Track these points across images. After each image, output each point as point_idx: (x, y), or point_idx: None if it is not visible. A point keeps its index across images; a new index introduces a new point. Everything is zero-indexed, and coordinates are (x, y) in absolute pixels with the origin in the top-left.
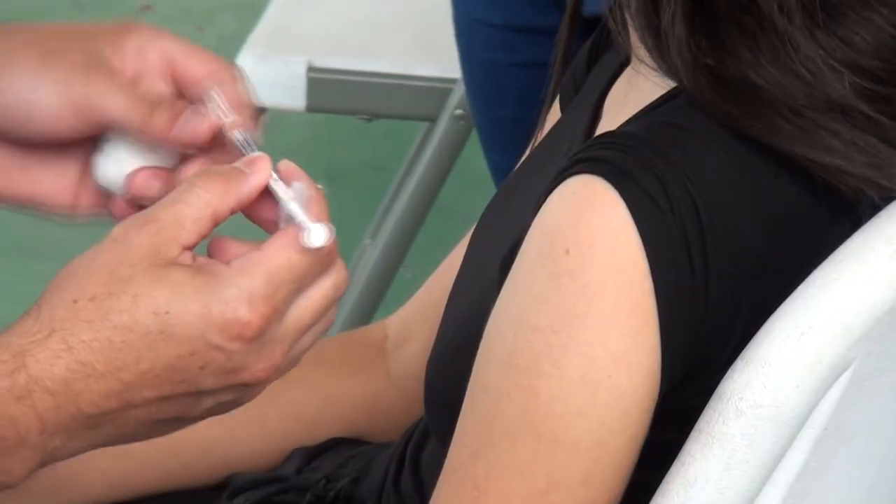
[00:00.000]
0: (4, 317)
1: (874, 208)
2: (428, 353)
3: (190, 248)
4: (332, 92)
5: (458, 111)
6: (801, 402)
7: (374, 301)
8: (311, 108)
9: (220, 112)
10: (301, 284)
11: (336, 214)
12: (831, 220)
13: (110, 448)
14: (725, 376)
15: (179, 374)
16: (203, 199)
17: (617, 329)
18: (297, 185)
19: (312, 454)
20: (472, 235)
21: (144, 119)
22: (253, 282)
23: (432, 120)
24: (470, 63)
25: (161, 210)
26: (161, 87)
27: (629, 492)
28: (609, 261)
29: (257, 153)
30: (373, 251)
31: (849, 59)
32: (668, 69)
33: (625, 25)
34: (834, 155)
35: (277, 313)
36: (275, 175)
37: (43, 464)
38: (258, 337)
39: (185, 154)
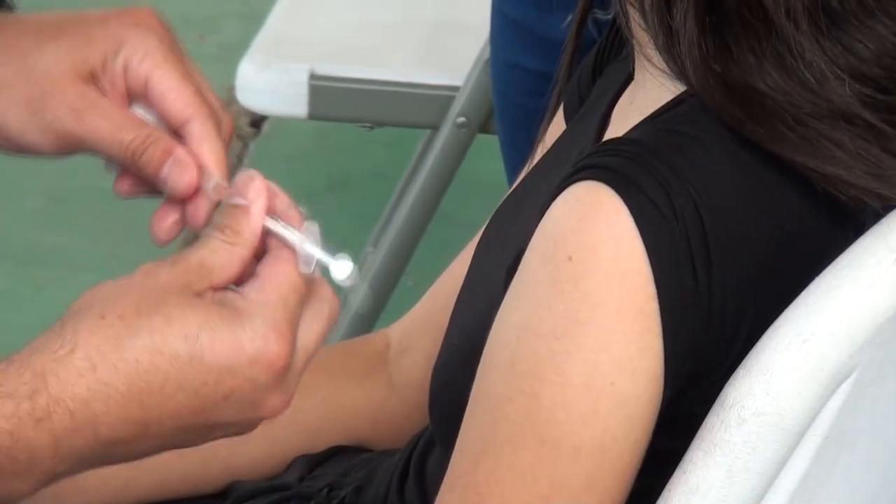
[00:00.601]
0: (5, 323)
1: (876, 216)
2: (430, 362)
3: (218, 289)
4: (334, 100)
5: (461, 119)
6: (803, 410)
7: (376, 307)
8: (312, 116)
9: (214, 192)
10: (305, 305)
11: (338, 222)
12: (834, 226)
13: None
14: (728, 383)
15: (201, 402)
16: (225, 248)
17: (620, 335)
18: (308, 225)
19: (315, 462)
20: (478, 244)
21: (134, 159)
22: (272, 311)
23: (434, 128)
24: (504, 106)
25: (189, 255)
26: (146, 114)
27: (631, 499)
28: (612, 267)
29: (249, 183)
30: (375, 259)
31: (851, 67)
32: (678, 70)
33: (629, 27)
34: (835, 165)
35: (295, 339)
36: (272, 219)
37: (48, 484)
38: (285, 366)
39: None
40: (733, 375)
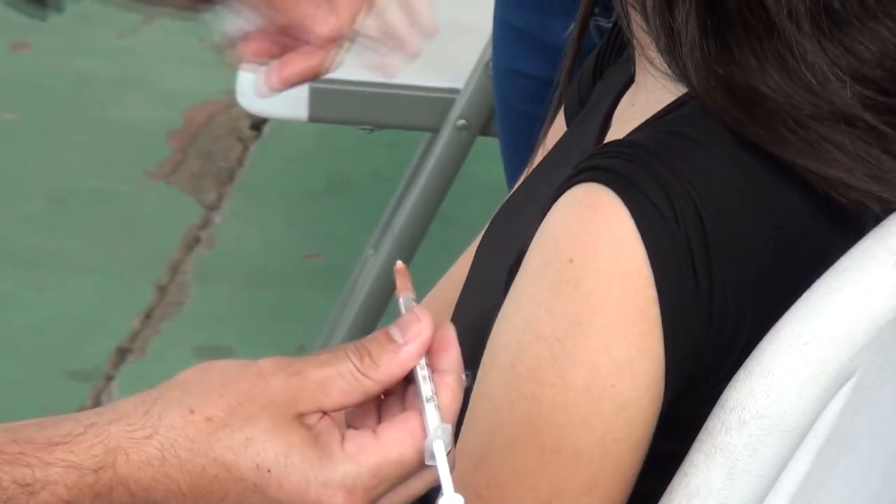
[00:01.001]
0: (5, 325)
1: (877, 219)
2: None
3: (327, 413)
4: (334, 102)
5: (461, 122)
6: (803, 412)
7: (376, 311)
8: (313, 119)
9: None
10: (406, 479)
11: (338, 225)
12: (835, 229)
13: None
14: (728, 386)
15: None
16: (354, 377)
17: (621, 338)
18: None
19: None
20: (479, 246)
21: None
22: (360, 472)
23: (435, 130)
24: (506, 112)
25: (312, 368)
26: None
27: (632, 501)
28: (613, 269)
29: (417, 320)
30: (375, 261)
31: (853, 69)
32: (679, 72)
33: (630, 28)
34: (836, 167)
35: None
36: (423, 362)
37: None
38: None
39: None
40: (734, 378)
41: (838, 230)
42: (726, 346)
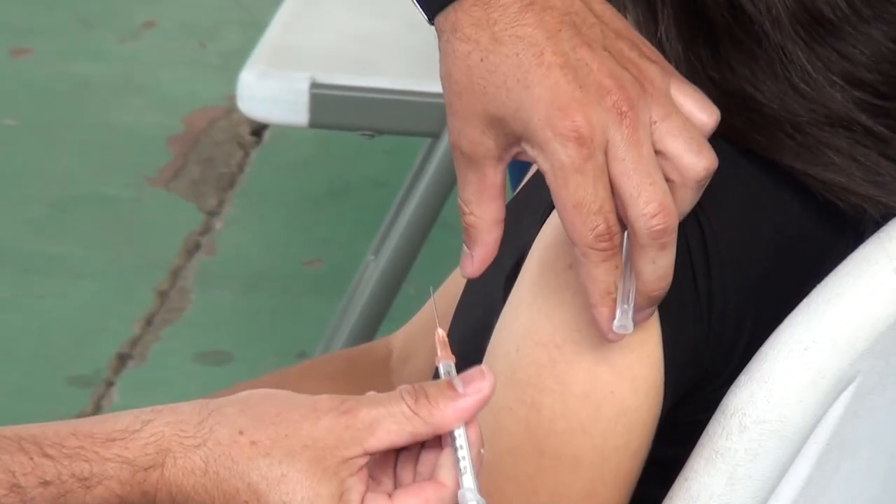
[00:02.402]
0: (6, 331)
1: (876, 224)
2: (432, 369)
3: (372, 454)
4: (335, 108)
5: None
6: (804, 417)
7: (377, 317)
8: (313, 124)
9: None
10: None
11: (338, 231)
12: (834, 234)
13: None
14: (729, 391)
15: None
16: (405, 416)
17: (620, 344)
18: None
19: None
20: None
21: None
22: None
23: (435, 136)
24: None
25: (364, 407)
26: None
27: None
28: None
29: (480, 382)
30: (376, 267)
31: (847, 73)
32: None
33: None
34: (835, 172)
35: None
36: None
37: None
38: None
39: None
40: (734, 383)
41: (838, 235)
42: (726, 351)
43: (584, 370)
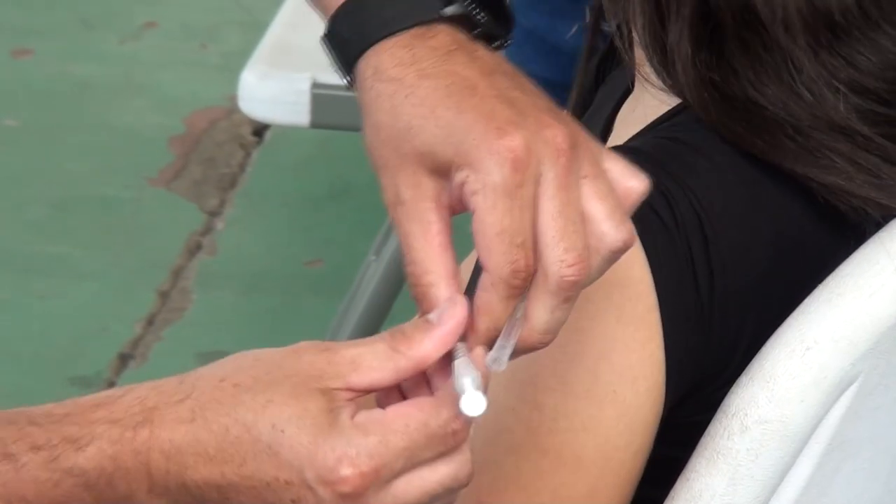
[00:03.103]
0: (6, 331)
1: (877, 225)
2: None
3: (355, 391)
4: (336, 108)
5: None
6: (806, 417)
7: (378, 317)
8: (315, 125)
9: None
10: (414, 456)
11: (340, 231)
12: (836, 235)
13: None
14: (730, 391)
15: (272, 495)
16: (385, 353)
17: (622, 344)
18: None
19: None
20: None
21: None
22: (366, 440)
23: None
24: None
25: (344, 347)
26: None
27: None
28: (614, 276)
29: (451, 309)
30: (377, 267)
31: (852, 80)
32: (674, 86)
33: (631, 44)
34: (836, 174)
35: (380, 479)
36: (460, 345)
37: None
38: (352, 495)
39: None
40: (736, 383)
41: (839, 236)
42: (728, 352)
43: (585, 370)
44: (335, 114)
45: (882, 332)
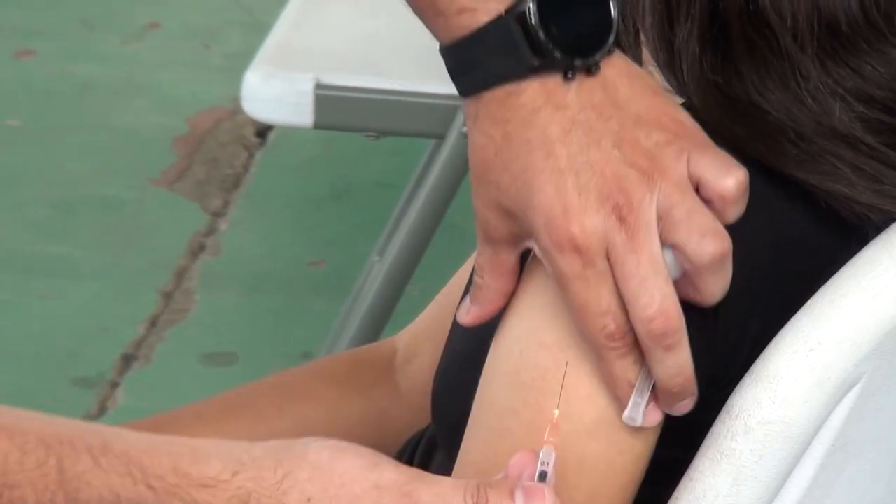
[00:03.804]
0: (8, 332)
1: (878, 228)
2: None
3: None
4: (339, 109)
5: (466, 128)
6: (809, 418)
7: (382, 318)
8: (318, 126)
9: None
10: None
11: (343, 232)
12: (838, 237)
13: None
14: (734, 392)
15: None
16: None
17: None
18: None
19: None
20: None
21: None
22: None
23: (440, 137)
24: None
25: (425, 495)
26: None
27: None
28: None
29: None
30: (380, 268)
31: (858, 89)
32: (678, 87)
33: (638, 43)
34: (838, 181)
35: None
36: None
37: None
38: None
39: None
40: (739, 384)
41: (841, 239)
42: (730, 354)
43: (587, 373)
44: (338, 114)
45: (885, 333)
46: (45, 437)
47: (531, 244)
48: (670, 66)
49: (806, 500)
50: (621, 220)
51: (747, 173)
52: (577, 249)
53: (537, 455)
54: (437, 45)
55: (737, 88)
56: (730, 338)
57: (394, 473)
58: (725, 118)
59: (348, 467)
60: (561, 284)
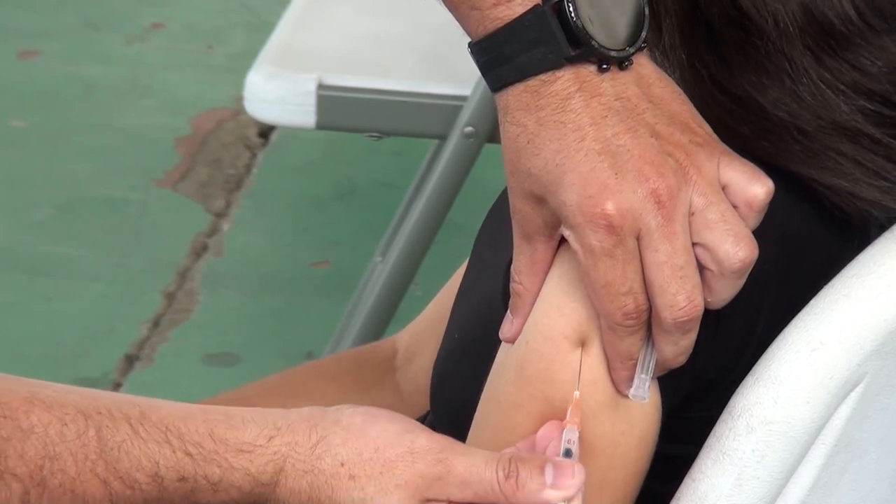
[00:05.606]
0: (14, 333)
1: (881, 227)
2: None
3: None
4: (342, 109)
5: (469, 129)
6: (812, 418)
7: (384, 318)
8: (321, 126)
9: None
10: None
11: (345, 232)
12: (841, 237)
13: None
14: (736, 392)
15: None
16: (492, 487)
17: None
18: None
19: None
20: (476, 239)
21: None
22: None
23: (442, 137)
24: None
25: (459, 464)
26: None
27: (642, 502)
28: None
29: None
30: (383, 268)
31: (857, 83)
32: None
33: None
34: (841, 177)
35: None
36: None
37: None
38: None
39: None
40: (742, 384)
41: (844, 238)
42: (734, 352)
43: (592, 357)
44: (341, 115)
45: (888, 333)
46: (84, 408)
47: (563, 230)
48: (665, 68)
49: (809, 501)
50: (659, 203)
51: (772, 185)
52: (611, 227)
53: (562, 429)
54: (438, 45)
55: (737, 88)
56: (733, 338)
57: (427, 440)
58: (727, 117)
59: (382, 432)
60: (588, 260)
